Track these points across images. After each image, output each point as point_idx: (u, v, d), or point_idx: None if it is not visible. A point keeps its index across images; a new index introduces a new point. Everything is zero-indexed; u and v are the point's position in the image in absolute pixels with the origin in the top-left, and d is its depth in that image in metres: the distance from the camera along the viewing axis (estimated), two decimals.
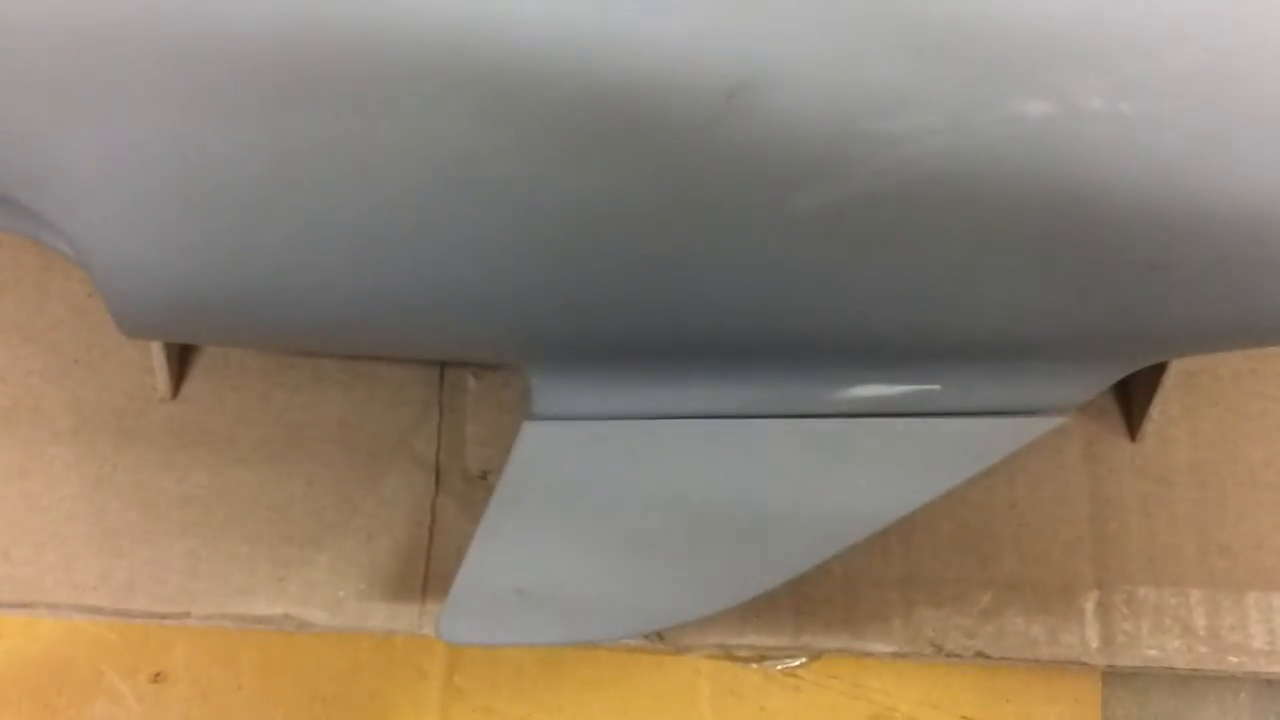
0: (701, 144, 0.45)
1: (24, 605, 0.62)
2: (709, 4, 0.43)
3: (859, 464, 0.53)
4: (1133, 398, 0.65)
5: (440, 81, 0.44)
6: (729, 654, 0.63)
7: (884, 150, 0.45)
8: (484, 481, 0.63)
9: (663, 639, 0.62)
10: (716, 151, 0.45)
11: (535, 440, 0.54)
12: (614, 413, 0.54)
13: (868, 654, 0.62)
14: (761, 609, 0.62)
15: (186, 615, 0.61)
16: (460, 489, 0.63)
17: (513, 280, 0.49)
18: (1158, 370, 0.62)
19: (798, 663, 0.64)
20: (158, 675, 0.64)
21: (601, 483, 0.53)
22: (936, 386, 0.53)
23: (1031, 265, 0.48)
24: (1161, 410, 0.64)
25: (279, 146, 0.46)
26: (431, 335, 0.54)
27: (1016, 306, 0.49)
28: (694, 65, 0.44)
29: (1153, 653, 0.62)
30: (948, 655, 0.62)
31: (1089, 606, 0.62)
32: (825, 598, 0.62)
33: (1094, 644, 0.62)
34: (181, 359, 0.64)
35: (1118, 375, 0.55)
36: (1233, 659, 0.62)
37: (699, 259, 0.48)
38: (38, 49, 0.45)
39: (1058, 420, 0.54)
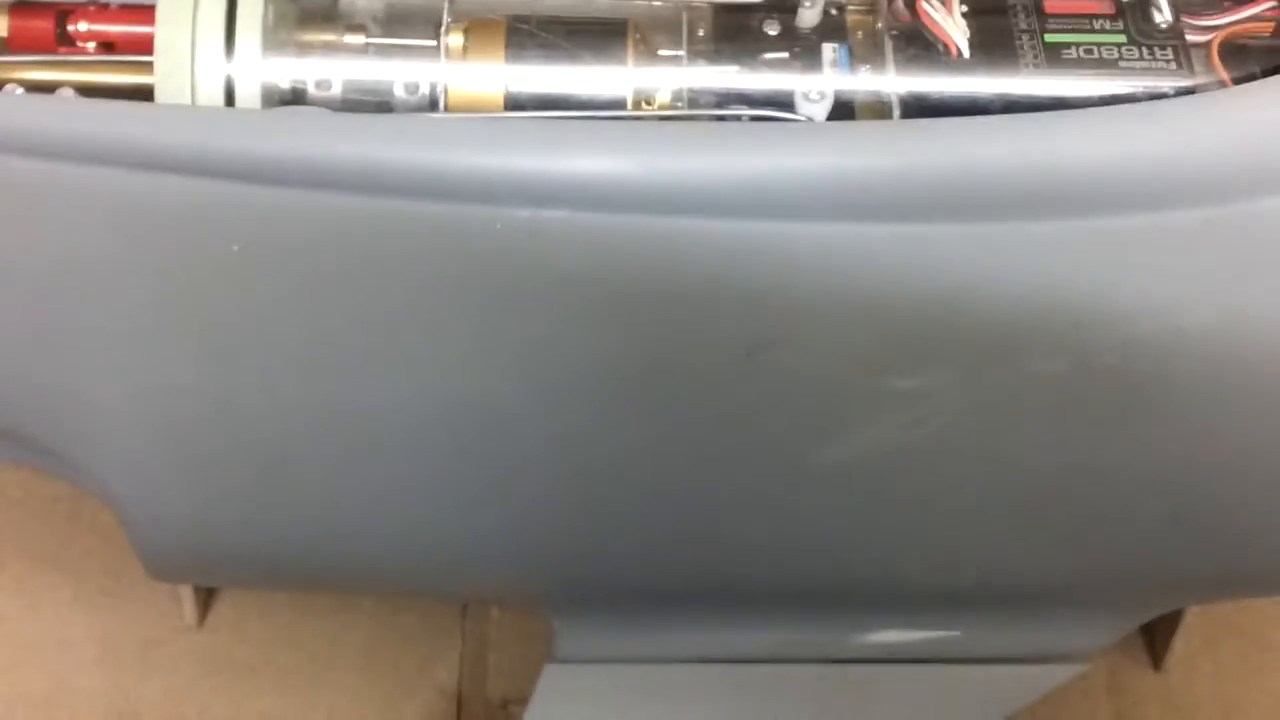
0: (722, 400, 0.46)
1: None
2: (728, 264, 0.44)
3: (882, 713, 0.53)
4: (1155, 627, 0.64)
5: (468, 340, 0.45)
6: None
7: (900, 406, 0.46)
8: (504, 712, 0.63)
9: None
10: (737, 407, 0.46)
11: (557, 684, 0.54)
12: (637, 655, 0.54)
13: None
14: None
15: None
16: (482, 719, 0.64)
17: (537, 530, 0.50)
18: None
19: None
20: None
21: None
22: (957, 632, 0.54)
23: (1051, 519, 0.48)
24: (1184, 640, 0.63)
25: (309, 403, 0.47)
26: (456, 582, 0.55)
27: (1036, 558, 0.50)
28: (714, 325, 0.45)
29: None
30: None
31: None
32: None
33: None
34: (209, 587, 0.65)
35: (1140, 620, 0.55)
36: None
37: (721, 510, 0.49)
38: (72, 306, 0.46)
39: (1078, 668, 0.54)
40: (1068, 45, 0.45)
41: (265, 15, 0.44)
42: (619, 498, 0.49)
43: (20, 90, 0.45)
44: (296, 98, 0.45)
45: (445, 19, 0.45)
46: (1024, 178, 0.42)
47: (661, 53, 0.46)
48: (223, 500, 0.50)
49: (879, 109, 0.45)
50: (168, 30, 0.44)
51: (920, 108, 0.45)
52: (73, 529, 0.66)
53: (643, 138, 0.43)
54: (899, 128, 0.44)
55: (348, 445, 0.48)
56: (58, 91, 0.45)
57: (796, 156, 0.42)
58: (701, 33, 0.46)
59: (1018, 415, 0.46)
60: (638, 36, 0.46)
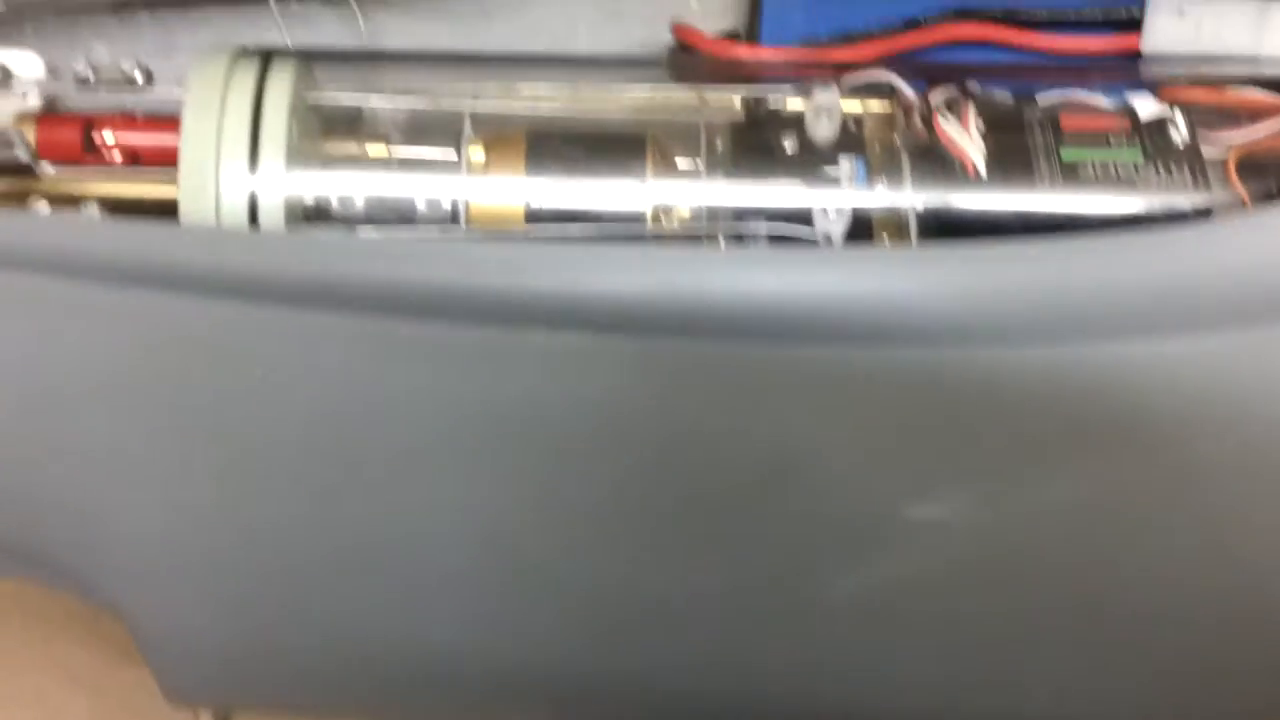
0: (743, 526, 0.46)
1: None
2: (751, 389, 0.44)
3: None
4: None
5: (484, 465, 0.45)
6: None
7: (918, 533, 0.45)
8: None
9: None
10: (758, 533, 0.46)
11: None
12: None
13: None
14: None
15: None
16: None
17: (548, 658, 0.50)
18: None
19: None
20: None
21: None
22: None
23: (1072, 649, 0.47)
24: None
25: (326, 526, 0.47)
26: (468, 711, 0.54)
27: (1059, 689, 0.49)
28: (736, 450, 0.45)
29: None
30: None
31: None
32: None
33: None
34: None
35: None
36: None
37: (733, 640, 0.48)
38: (89, 424, 0.47)
39: None
40: (1084, 162, 0.45)
41: (290, 130, 0.45)
42: (632, 631, 0.49)
43: (44, 203, 0.45)
44: (320, 209, 0.46)
45: (466, 130, 0.46)
46: (1042, 303, 0.42)
47: (680, 167, 0.47)
48: (239, 623, 0.50)
49: (896, 223, 0.45)
50: (192, 145, 0.45)
51: (937, 223, 0.45)
52: (91, 642, 0.65)
53: (662, 261, 0.43)
54: (916, 253, 0.44)
55: (364, 569, 0.48)
56: (81, 208, 0.46)
57: (814, 281, 0.42)
58: (720, 147, 0.47)
59: (1037, 543, 0.45)
60: (656, 151, 0.46)
